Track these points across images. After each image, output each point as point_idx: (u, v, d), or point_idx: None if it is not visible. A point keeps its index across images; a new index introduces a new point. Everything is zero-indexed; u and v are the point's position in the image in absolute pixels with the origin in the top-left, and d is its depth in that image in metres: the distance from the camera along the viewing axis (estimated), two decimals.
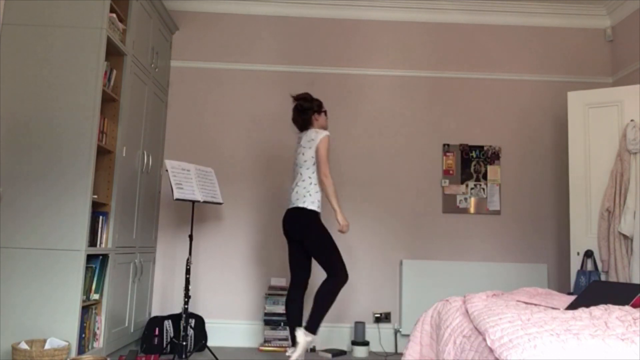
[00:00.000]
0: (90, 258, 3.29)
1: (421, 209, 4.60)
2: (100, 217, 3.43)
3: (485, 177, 4.62)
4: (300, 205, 3.26)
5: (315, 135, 3.28)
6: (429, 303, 4.32)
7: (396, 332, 4.42)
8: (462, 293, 4.32)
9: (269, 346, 4.22)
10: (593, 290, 2.35)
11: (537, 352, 1.50)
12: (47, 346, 2.92)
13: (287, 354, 3.30)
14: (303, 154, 3.31)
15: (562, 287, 4.45)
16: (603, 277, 3.79)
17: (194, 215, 4.31)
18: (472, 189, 4.60)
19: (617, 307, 1.96)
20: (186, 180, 3.83)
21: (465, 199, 4.59)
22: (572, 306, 2.21)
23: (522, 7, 4.73)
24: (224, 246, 4.52)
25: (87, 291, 3.30)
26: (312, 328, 3.28)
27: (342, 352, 4.23)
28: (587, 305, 2.08)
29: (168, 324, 4.11)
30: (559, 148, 4.68)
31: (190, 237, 3.90)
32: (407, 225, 4.58)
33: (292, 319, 3.39)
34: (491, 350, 1.71)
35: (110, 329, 3.52)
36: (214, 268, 4.49)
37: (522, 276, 4.41)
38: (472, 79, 4.76)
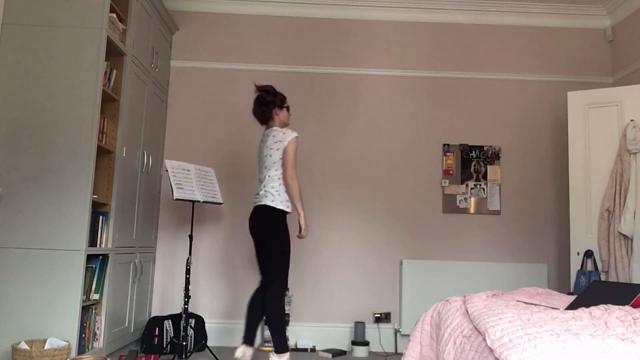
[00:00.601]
0: (90, 258, 3.29)
1: (421, 209, 4.60)
2: (100, 217, 3.43)
3: (485, 177, 4.62)
4: (269, 203, 3.13)
5: (283, 137, 3.16)
6: (429, 303, 4.32)
7: (396, 332, 4.42)
8: (462, 293, 4.33)
9: (269, 346, 4.22)
10: (593, 290, 2.35)
11: (537, 352, 1.50)
12: (47, 346, 2.92)
13: (236, 355, 3.19)
14: (271, 155, 3.18)
15: (562, 287, 4.45)
16: (603, 277, 3.79)
17: (194, 215, 4.31)
18: (472, 189, 4.60)
19: (617, 307, 1.96)
20: (186, 180, 3.83)
21: (465, 199, 4.59)
22: (572, 306, 2.21)
23: (522, 7, 4.73)
24: (224, 246, 4.52)
25: (87, 291, 3.30)
26: (281, 348, 3.20)
27: (342, 352, 4.23)
28: (587, 305, 2.08)
29: (168, 324, 4.11)
30: (559, 148, 4.68)
31: (190, 237, 3.90)
32: (407, 225, 4.58)
33: (250, 318, 3.29)
34: (491, 350, 1.71)
35: (110, 329, 3.52)
36: (214, 268, 4.49)
37: (522, 276, 4.41)
38: (472, 79, 4.76)
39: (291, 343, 4.34)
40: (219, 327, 4.40)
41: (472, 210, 4.58)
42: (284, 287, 3.18)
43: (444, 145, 4.66)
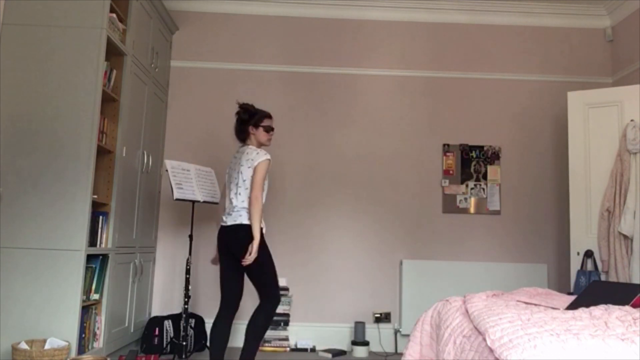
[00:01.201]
0: (90, 258, 3.29)
1: (421, 209, 4.60)
2: (100, 217, 3.43)
3: (485, 177, 4.62)
4: (245, 222, 3.00)
5: (256, 157, 3.04)
6: (429, 303, 4.32)
7: (396, 332, 4.42)
8: (462, 293, 4.32)
9: (269, 346, 4.23)
10: (593, 290, 2.35)
11: (537, 352, 1.50)
12: (47, 346, 2.92)
13: None
14: (241, 172, 3.06)
15: (562, 287, 4.45)
16: (603, 277, 3.79)
17: (194, 215, 4.31)
18: (472, 189, 4.60)
19: (617, 307, 1.96)
20: (186, 180, 3.83)
21: (465, 199, 4.59)
22: (572, 306, 2.21)
23: (522, 7, 4.73)
24: None
25: (87, 291, 3.30)
26: None
27: (342, 352, 4.23)
28: (587, 305, 2.08)
29: (168, 324, 4.11)
30: (559, 148, 4.68)
31: (190, 237, 3.90)
32: (407, 225, 4.58)
33: (216, 345, 3.03)
34: (491, 350, 1.71)
35: (110, 329, 3.52)
36: (213, 268, 4.49)
37: (522, 276, 4.41)
38: (472, 79, 4.76)
39: (291, 343, 4.34)
40: None
41: (472, 210, 4.58)
42: (278, 300, 3.06)
43: (444, 145, 4.66)
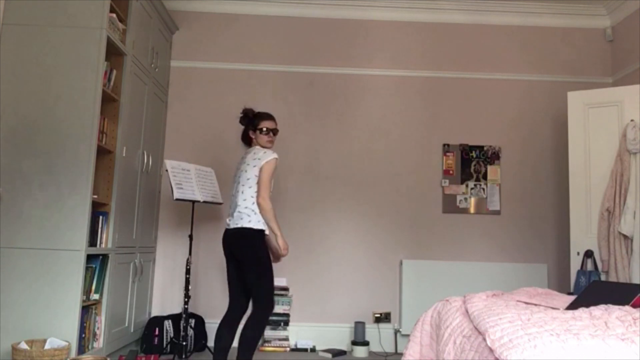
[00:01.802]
0: (90, 258, 3.29)
1: (421, 209, 4.60)
2: (100, 217, 3.43)
3: (485, 177, 4.62)
4: (246, 225, 3.00)
5: (263, 156, 3.05)
6: (429, 303, 4.32)
7: (396, 332, 4.42)
8: (462, 293, 4.32)
9: (269, 346, 4.22)
10: (593, 290, 2.35)
11: (537, 352, 1.50)
12: (47, 346, 2.92)
13: None
14: (246, 171, 3.06)
15: (562, 287, 4.45)
16: (603, 277, 3.79)
17: (194, 215, 4.31)
18: (472, 189, 4.60)
19: (617, 307, 1.96)
20: (186, 180, 3.83)
21: (465, 199, 4.59)
22: (572, 306, 2.21)
23: (522, 7, 4.73)
24: None
25: (87, 291, 3.30)
26: None
27: (342, 352, 4.23)
28: (587, 305, 2.08)
29: (168, 324, 4.11)
30: (559, 148, 4.68)
31: (190, 237, 3.90)
32: (407, 225, 4.58)
33: (220, 348, 3.01)
34: (491, 350, 1.71)
35: (110, 329, 3.52)
36: (213, 268, 4.49)
37: (522, 276, 4.41)
38: (472, 79, 4.76)
39: (291, 343, 4.34)
40: None
41: (472, 210, 4.58)
42: (272, 308, 3.01)
43: (444, 145, 4.66)
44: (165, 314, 4.35)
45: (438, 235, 4.57)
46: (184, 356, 3.80)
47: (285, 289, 4.38)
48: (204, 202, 3.87)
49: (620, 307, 1.96)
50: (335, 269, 4.52)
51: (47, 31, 3.25)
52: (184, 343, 3.81)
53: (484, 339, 1.79)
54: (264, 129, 3.18)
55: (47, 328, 3.03)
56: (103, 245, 3.45)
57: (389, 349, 4.41)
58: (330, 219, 4.58)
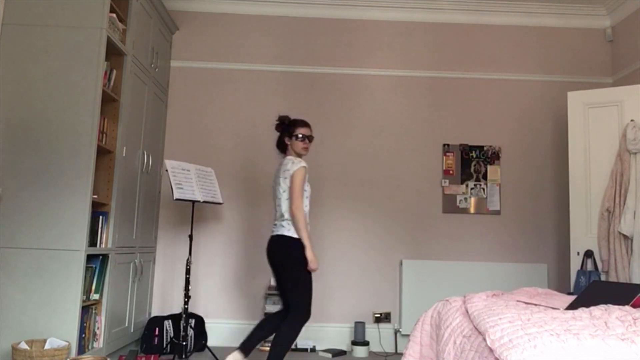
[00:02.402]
0: (90, 258, 3.29)
1: (421, 209, 4.60)
2: (100, 217, 3.43)
3: (485, 177, 4.62)
4: (286, 233, 3.06)
5: (291, 166, 3.09)
6: (429, 303, 4.32)
7: (396, 332, 4.42)
8: (462, 293, 4.32)
9: (269, 346, 4.22)
10: (593, 290, 2.35)
11: (537, 352, 1.50)
12: (47, 346, 2.92)
13: (228, 358, 3.02)
14: (279, 184, 3.12)
15: (562, 287, 4.45)
16: (603, 277, 3.79)
17: (194, 215, 4.31)
18: (472, 189, 4.60)
19: (617, 307, 1.96)
20: (186, 180, 3.83)
21: (465, 199, 4.59)
22: (572, 306, 2.21)
23: (522, 7, 4.73)
24: (223, 246, 4.52)
25: (87, 291, 3.30)
26: None
27: (342, 352, 4.23)
28: (587, 305, 2.08)
29: (168, 324, 4.11)
30: (559, 148, 4.68)
31: (190, 237, 3.90)
32: (407, 225, 4.58)
33: (257, 331, 3.13)
34: (491, 350, 1.71)
35: (110, 329, 3.52)
36: (213, 268, 4.49)
37: (522, 276, 4.41)
38: (472, 79, 4.76)
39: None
40: (219, 327, 4.40)
41: (472, 210, 4.58)
42: (306, 316, 3.04)
43: (444, 145, 4.66)
44: (165, 314, 4.35)
45: (438, 235, 4.57)
46: (184, 356, 3.80)
47: None
48: (204, 202, 3.87)
49: (620, 307, 1.96)
50: (335, 269, 4.52)
51: (47, 31, 3.25)
52: (184, 343, 3.81)
53: (484, 339, 1.79)
54: (300, 135, 3.20)
55: (47, 328, 3.03)
56: (103, 245, 3.45)
57: (389, 349, 4.41)
58: (330, 218, 4.58)
